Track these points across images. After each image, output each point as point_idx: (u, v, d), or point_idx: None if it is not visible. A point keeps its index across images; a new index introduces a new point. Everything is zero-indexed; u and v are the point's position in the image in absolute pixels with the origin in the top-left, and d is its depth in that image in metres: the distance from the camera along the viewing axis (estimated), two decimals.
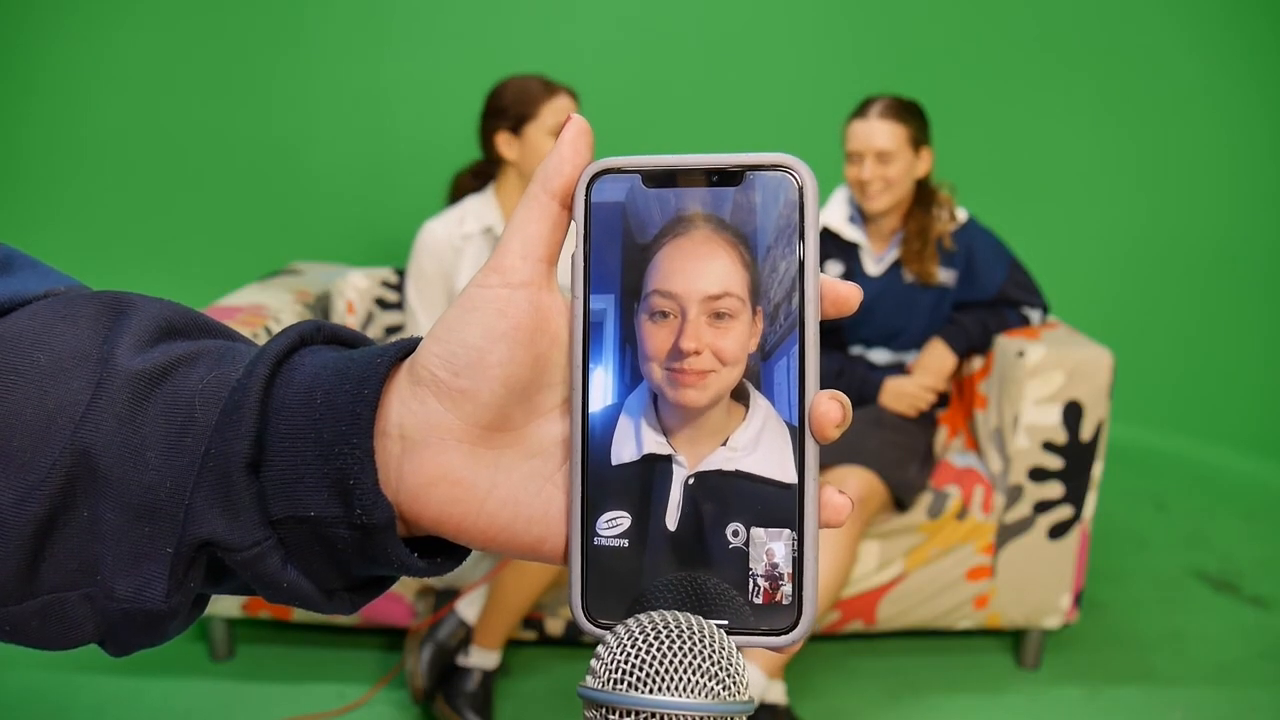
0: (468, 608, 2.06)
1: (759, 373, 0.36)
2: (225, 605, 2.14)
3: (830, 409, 0.35)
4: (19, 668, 2.15)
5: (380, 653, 2.26)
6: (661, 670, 0.32)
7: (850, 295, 0.36)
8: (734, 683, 0.33)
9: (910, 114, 2.24)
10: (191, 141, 3.41)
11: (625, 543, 0.36)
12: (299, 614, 2.18)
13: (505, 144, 2.21)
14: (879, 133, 2.19)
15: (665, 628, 0.33)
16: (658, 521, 0.36)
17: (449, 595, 2.11)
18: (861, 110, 2.25)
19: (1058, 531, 2.18)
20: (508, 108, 2.19)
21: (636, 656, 0.32)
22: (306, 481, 0.35)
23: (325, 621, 2.22)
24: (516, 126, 2.19)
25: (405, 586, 2.14)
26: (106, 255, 3.39)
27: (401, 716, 2.05)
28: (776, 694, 1.95)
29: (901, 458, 2.19)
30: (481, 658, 2.02)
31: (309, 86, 3.40)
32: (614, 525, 0.36)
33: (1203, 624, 2.47)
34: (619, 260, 0.37)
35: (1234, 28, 3.46)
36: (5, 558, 0.35)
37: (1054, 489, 2.16)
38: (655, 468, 0.36)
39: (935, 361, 2.29)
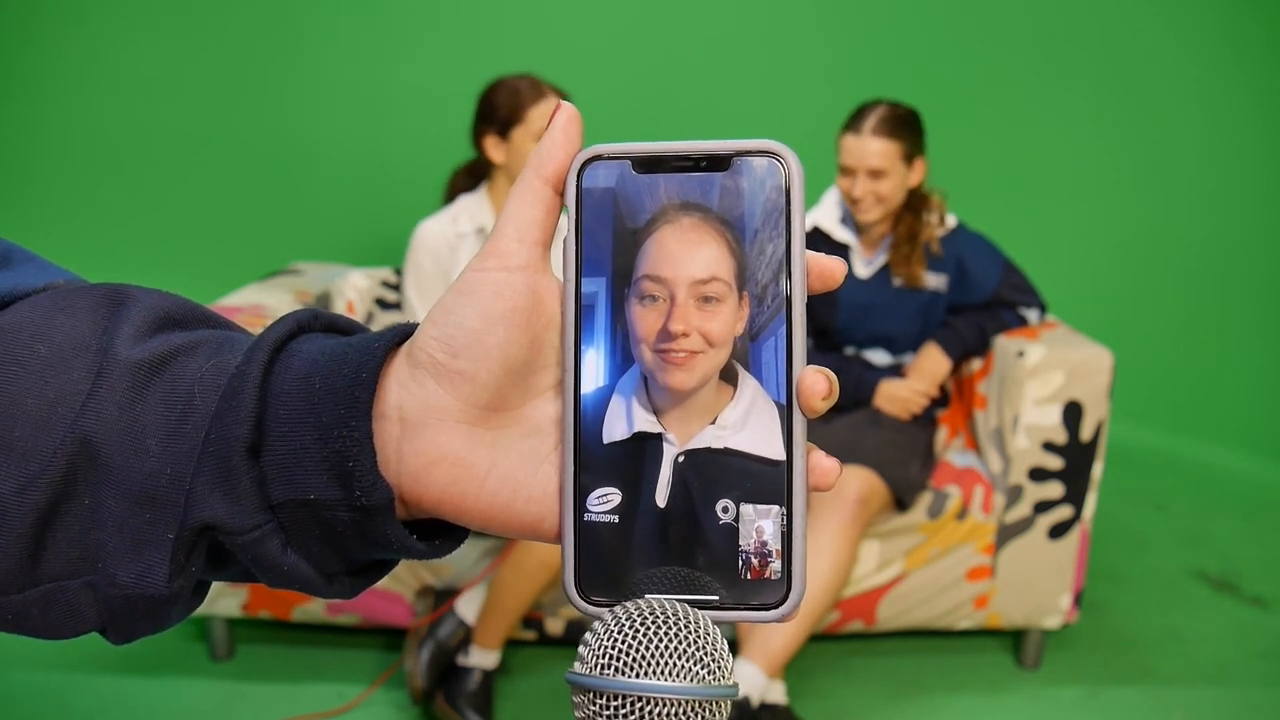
0: (467, 608, 2.07)
1: (748, 353, 0.37)
2: (225, 605, 2.14)
3: (816, 381, 0.36)
4: (18, 667, 2.16)
5: (380, 653, 2.26)
6: (647, 655, 0.33)
7: (835, 268, 0.37)
8: (719, 667, 0.33)
9: (904, 126, 2.21)
10: (192, 141, 3.41)
11: (616, 519, 0.37)
12: (299, 614, 2.18)
13: (493, 147, 2.21)
14: (872, 151, 2.18)
15: (651, 614, 0.34)
16: (648, 498, 0.37)
17: (449, 594, 2.12)
18: (855, 123, 2.21)
19: (1058, 531, 2.19)
20: (496, 111, 2.19)
21: (623, 642, 0.33)
22: (306, 465, 0.35)
23: (325, 621, 2.22)
24: (504, 130, 2.18)
25: (405, 586, 2.14)
26: (107, 255, 3.40)
27: (400, 716, 2.05)
28: (776, 694, 1.95)
29: (902, 457, 2.19)
30: (481, 657, 2.03)
31: (309, 87, 3.40)
32: (605, 501, 0.37)
33: (1202, 624, 2.47)
34: (610, 244, 0.37)
35: (1225, 28, 3.46)
36: (7, 547, 0.35)
37: (1054, 489, 2.17)
38: (646, 446, 0.37)
39: (929, 365, 2.29)
